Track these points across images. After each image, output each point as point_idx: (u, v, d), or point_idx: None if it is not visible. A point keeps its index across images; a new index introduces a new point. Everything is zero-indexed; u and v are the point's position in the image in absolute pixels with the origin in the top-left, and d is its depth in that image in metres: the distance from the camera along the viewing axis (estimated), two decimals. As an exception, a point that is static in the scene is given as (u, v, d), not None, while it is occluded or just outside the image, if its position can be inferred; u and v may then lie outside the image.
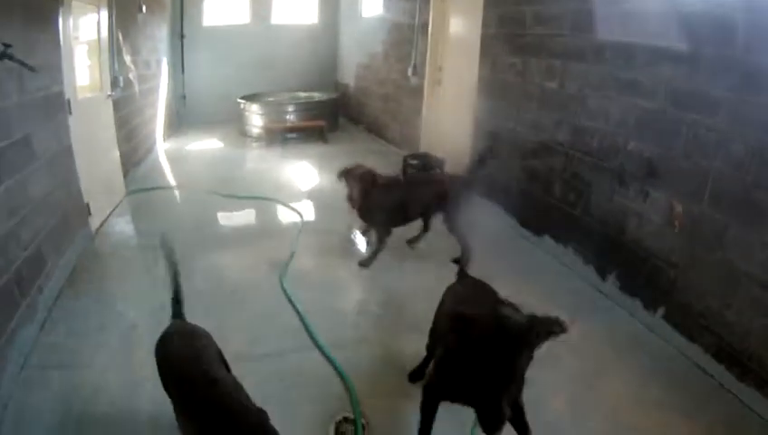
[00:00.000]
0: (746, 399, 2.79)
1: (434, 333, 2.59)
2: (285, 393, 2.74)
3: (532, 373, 2.84)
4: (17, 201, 3.35)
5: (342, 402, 2.68)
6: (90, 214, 4.81)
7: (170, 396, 2.09)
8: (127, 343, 3.31)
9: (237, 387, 1.99)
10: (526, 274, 3.98)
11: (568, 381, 2.90)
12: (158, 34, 8.39)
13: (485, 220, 4.87)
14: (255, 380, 2.77)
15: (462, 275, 2.78)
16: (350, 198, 4.05)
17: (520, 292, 3.64)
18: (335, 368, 2.92)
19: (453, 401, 2.10)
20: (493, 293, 2.46)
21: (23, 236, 3.37)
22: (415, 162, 5.92)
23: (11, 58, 3.21)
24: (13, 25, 3.31)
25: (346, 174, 4.11)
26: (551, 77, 4.30)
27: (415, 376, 2.77)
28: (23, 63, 3.35)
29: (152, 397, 2.71)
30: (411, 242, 4.46)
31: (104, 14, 5.47)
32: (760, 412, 2.71)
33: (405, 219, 4.20)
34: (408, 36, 7.03)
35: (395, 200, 4.08)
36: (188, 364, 2.02)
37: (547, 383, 2.76)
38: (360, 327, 3.32)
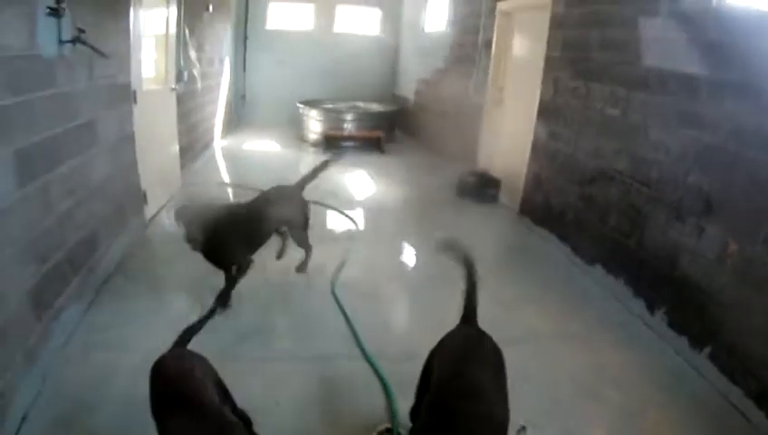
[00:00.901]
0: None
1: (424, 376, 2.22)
2: (328, 398, 2.67)
3: (574, 404, 2.73)
4: (76, 182, 3.36)
5: (383, 414, 2.56)
6: (145, 203, 4.84)
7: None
8: (172, 331, 3.25)
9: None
10: (574, 302, 3.79)
11: (609, 414, 2.73)
12: (223, 34, 8.52)
13: (538, 246, 4.65)
14: (300, 380, 2.78)
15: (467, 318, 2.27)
16: (190, 240, 3.45)
17: (567, 320, 3.57)
18: (379, 378, 2.80)
19: None
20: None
21: (78, 218, 3.38)
22: (472, 179, 5.78)
23: (84, 43, 3.23)
24: (86, 13, 3.32)
25: (179, 215, 3.46)
26: (613, 104, 4.11)
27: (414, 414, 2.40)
28: (95, 49, 3.38)
29: None
30: (279, 257, 4.20)
31: (173, 9, 5.55)
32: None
33: (259, 244, 3.75)
34: (471, 54, 6.90)
35: (242, 230, 3.58)
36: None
37: (588, 415, 2.66)
38: (407, 342, 3.18)
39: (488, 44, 6.46)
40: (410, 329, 3.40)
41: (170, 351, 2.14)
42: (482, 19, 6.58)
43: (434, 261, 4.02)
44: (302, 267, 4.05)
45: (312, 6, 10.28)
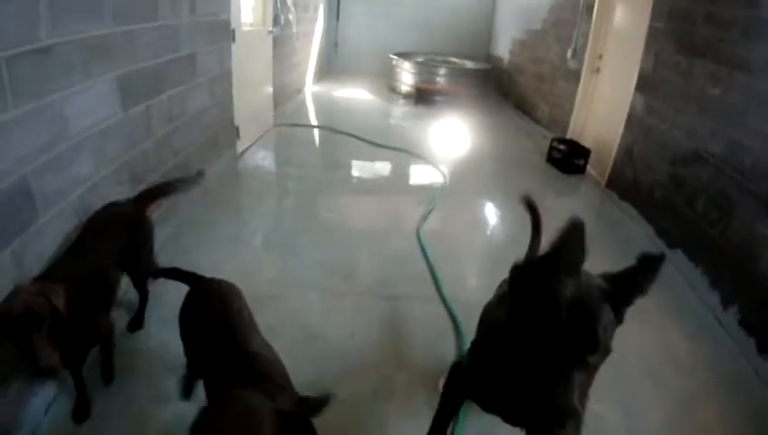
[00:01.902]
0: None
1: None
2: (405, 337, 2.69)
3: (636, 384, 2.62)
4: (176, 110, 3.52)
5: (453, 356, 2.54)
6: (238, 137, 5.01)
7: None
8: (256, 258, 3.41)
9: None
10: None
11: (668, 400, 2.59)
12: (318, -19, 8.47)
13: (621, 222, 4.42)
14: (379, 318, 2.82)
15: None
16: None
17: (640, 301, 3.34)
18: (453, 320, 2.79)
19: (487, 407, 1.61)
20: None
21: (175, 144, 3.55)
22: (562, 147, 5.51)
23: None
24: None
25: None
26: (714, 83, 3.70)
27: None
28: (197, -15, 3.47)
29: (276, 313, 2.79)
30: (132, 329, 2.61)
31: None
32: None
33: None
34: (571, 18, 6.44)
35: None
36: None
37: (648, 397, 2.54)
38: (482, 291, 3.13)
39: (589, 9, 5.98)
40: (486, 280, 3.34)
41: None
42: (585, -18, 6.13)
43: (515, 220, 3.93)
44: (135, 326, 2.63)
45: None
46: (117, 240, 2.34)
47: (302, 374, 2.40)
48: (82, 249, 2.19)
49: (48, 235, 2.26)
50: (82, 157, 2.50)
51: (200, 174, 2.94)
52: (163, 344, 2.43)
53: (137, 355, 2.40)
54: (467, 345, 2.55)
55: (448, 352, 2.58)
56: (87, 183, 2.55)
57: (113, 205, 2.50)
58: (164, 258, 3.27)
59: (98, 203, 2.65)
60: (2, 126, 1.95)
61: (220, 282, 2.02)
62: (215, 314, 1.81)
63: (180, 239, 3.52)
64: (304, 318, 2.79)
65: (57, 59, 2.27)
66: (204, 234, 3.60)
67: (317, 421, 1.36)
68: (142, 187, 3.08)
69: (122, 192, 2.90)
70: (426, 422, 1.89)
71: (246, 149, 5.28)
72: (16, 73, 2.01)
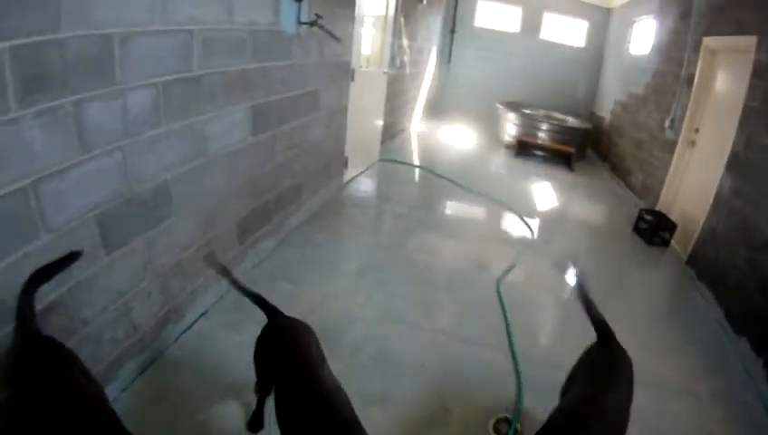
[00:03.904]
0: None
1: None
2: (470, 377, 2.69)
3: None
4: (296, 139, 3.76)
5: (508, 405, 2.52)
6: (346, 167, 5.22)
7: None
8: (350, 282, 3.52)
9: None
10: (709, 367, 3.23)
11: None
12: (433, 26, 8.64)
13: (695, 301, 4.06)
14: (449, 355, 2.86)
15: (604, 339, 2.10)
16: None
17: (695, 381, 3.03)
18: (517, 376, 2.74)
19: None
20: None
21: (293, 168, 3.79)
22: (649, 218, 5.17)
23: (321, 27, 3.59)
24: (321, 1, 3.66)
25: None
26: None
27: None
28: (330, 33, 3.73)
29: (361, 332, 2.93)
30: None
31: (392, 1, 5.82)
32: None
33: None
34: (672, 86, 5.96)
35: None
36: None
37: None
38: (551, 351, 3.03)
39: (690, 80, 5.52)
40: (558, 341, 3.24)
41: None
42: (686, 52, 5.66)
43: (595, 286, 3.79)
44: None
45: (519, 10, 9.93)
46: None
47: (371, 387, 2.49)
48: None
49: (176, 232, 2.51)
50: (215, 171, 2.75)
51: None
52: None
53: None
54: (524, 397, 2.56)
55: (505, 400, 2.55)
56: (215, 194, 2.80)
57: None
58: (268, 266, 3.48)
59: (222, 212, 2.90)
60: (154, 138, 2.22)
61: (292, 319, 2.05)
62: (287, 348, 1.85)
63: (284, 252, 3.71)
64: (384, 342, 2.87)
65: (204, 87, 2.54)
66: (307, 252, 3.77)
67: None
68: (258, 203, 3.33)
69: (243, 205, 3.15)
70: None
71: (352, 178, 5.47)
72: (170, 96, 2.28)
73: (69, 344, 1.81)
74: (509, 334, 3.09)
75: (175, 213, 2.45)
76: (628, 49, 8.18)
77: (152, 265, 2.37)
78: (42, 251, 1.73)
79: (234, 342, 2.62)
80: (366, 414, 2.26)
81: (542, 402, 2.50)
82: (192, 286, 2.74)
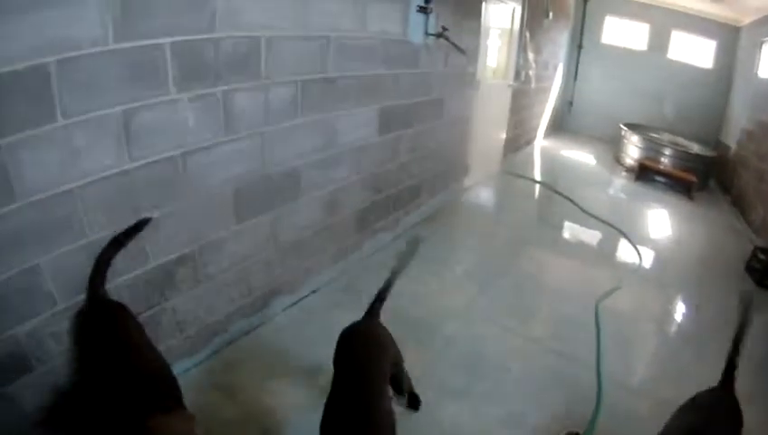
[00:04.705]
0: None
1: None
2: (548, 388, 2.57)
3: None
4: (419, 143, 3.85)
5: (583, 423, 2.35)
6: (466, 174, 5.20)
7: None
8: (456, 282, 3.51)
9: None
10: None
11: None
12: (559, 41, 8.31)
13: None
14: (535, 362, 2.76)
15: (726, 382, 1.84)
16: None
17: None
18: (597, 396, 2.55)
19: None
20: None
21: (413, 169, 3.88)
22: (763, 258, 4.43)
23: (446, 39, 3.66)
24: (448, 13, 3.72)
25: None
26: None
27: None
28: (455, 45, 3.79)
29: (457, 328, 2.91)
30: None
31: (518, 14, 5.70)
32: None
33: None
34: None
35: None
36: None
37: None
38: (640, 383, 2.76)
39: None
40: (647, 372, 2.94)
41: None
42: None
43: (695, 323, 3.45)
44: None
45: (647, 27, 9.16)
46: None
47: (453, 381, 2.48)
48: None
49: (301, 213, 2.72)
50: (341, 163, 2.93)
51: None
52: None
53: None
54: (599, 419, 2.38)
55: (580, 418, 2.38)
56: (339, 183, 2.97)
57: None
58: (381, 257, 3.56)
59: (344, 201, 3.06)
60: (290, 128, 2.43)
61: (377, 324, 1.97)
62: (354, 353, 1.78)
63: (398, 246, 3.74)
64: (476, 341, 2.84)
65: (338, 88, 2.73)
66: (419, 249, 3.78)
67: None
68: (378, 197, 3.46)
69: (363, 197, 3.29)
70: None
71: (471, 186, 5.43)
72: (307, 93, 2.49)
73: (191, 293, 2.08)
74: (599, 355, 2.89)
75: (301, 196, 2.66)
76: (757, 73, 7.13)
77: (275, 239, 2.59)
78: (182, 211, 2.01)
79: (339, 320, 2.72)
80: (442, 405, 2.32)
81: (616, 428, 2.37)
82: (308, 264, 2.93)
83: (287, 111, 2.40)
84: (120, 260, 1.78)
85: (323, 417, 1.56)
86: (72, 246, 1.68)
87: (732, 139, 7.67)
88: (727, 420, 1.68)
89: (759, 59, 7.00)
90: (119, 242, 1.74)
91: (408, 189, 3.90)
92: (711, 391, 1.82)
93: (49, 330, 1.67)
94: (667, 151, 7.41)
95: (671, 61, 9.02)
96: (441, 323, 2.94)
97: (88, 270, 1.69)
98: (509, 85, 5.86)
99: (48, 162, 1.55)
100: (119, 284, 1.86)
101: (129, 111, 1.73)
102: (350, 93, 2.85)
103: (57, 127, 1.54)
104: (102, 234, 1.74)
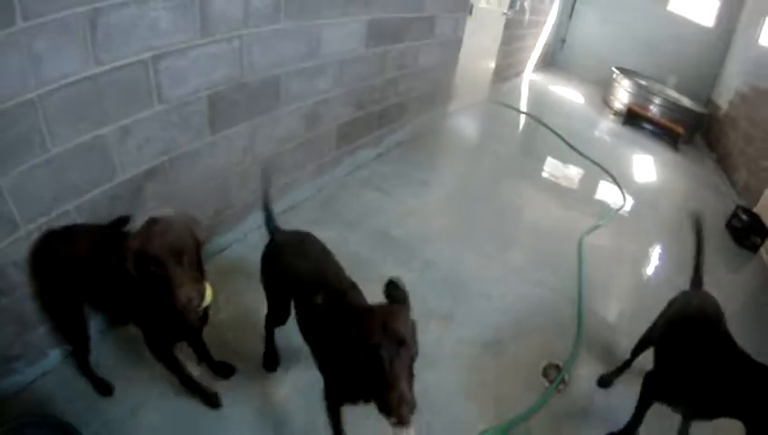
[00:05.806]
0: None
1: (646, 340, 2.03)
2: (532, 316, 2.54)
3: None
4: (408, 60, 3.60)
5: (563, 355, 2.33)
6: (451, 99, 4.96)
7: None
8: (437, 204, 3.42)
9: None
10: None
11: None
12: (559, -25, 7.76)
13: None
14: (516, 292, 2.69)
15: (696, 283, 2.05)
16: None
17: None
18: (578, 328, 2.52)
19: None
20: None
21: (400, 87, 3.65)
22: (744, 218, 4.35)
23: None
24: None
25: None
26: None
27: (605, 382, 2.20)
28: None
29: (436, 251, 2.83)
30: None
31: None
32: None
33: None
34: None
35: None
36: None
37: None
38: (618, 318, 2.76)
39: None
40: (625, 307, 2.92)
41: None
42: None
43: (675, 265, 3.35)
44: None
45: None
46: None
47: (435, 304, 2.43)
48: None
49: (279, 125, 2.51)
50: (324, 75, 2.69)
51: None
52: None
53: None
54: (580, 350, 2.38)
55: (560, 348, 2.37)
56: (321, 96, 2.75)
57: None
58: (362, 174, 3.44)
59: (325, 115, 2.86)
60: (273, 32, 2.18)
61: (295, 232, 1.86)
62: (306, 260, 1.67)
63: (380, 165, 3.66)
64: (457, 266, 2.77)
65: (325, -6, 2.44)
66: (402, 168, 3.68)
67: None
68: (361, 113, 3.25)
69: (346, 112, 3.08)
70: (516, 391, 1.89)
71: (457, 111, 5.20)
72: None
73: (173, 206, 1.88)
74: (580, 287, 2.86)
75: (281, 107, 2.45)
76: (758, 39, 6.78)
77: (252, 152, 2.41)
78: (152, 120, 1.79)
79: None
80: (426, 327, 2.23)
81: (595, 359, 2.37)
82: (286, 179, 2.77)
83: (269, 14, 2.13)
84: (83, 174, 1.61)
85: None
86: (33, 161, 1.46)
87: (723, 99, 7.44)
88: (708, 303, 1.84)
89: (763, 26, 6.62)
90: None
91: (393, 108, 3.69)
92: (684, 292, 2.01)
93: (10, 259, 1.48)
94: (658, 100, 7.17)
95: (671, 13, 8.51)
96: (422, 245, 2.86)
97: (53, 187, 1.51)
98: (503, 13, 5.47)
99: (6, 70, 1.31)
100: (81, 203, 1.64)
101: (96, 10, 1.47)
102: (338, 3, 2.57)
103: (17, 30, 1.29)
104: (66, 146, 1.53)
